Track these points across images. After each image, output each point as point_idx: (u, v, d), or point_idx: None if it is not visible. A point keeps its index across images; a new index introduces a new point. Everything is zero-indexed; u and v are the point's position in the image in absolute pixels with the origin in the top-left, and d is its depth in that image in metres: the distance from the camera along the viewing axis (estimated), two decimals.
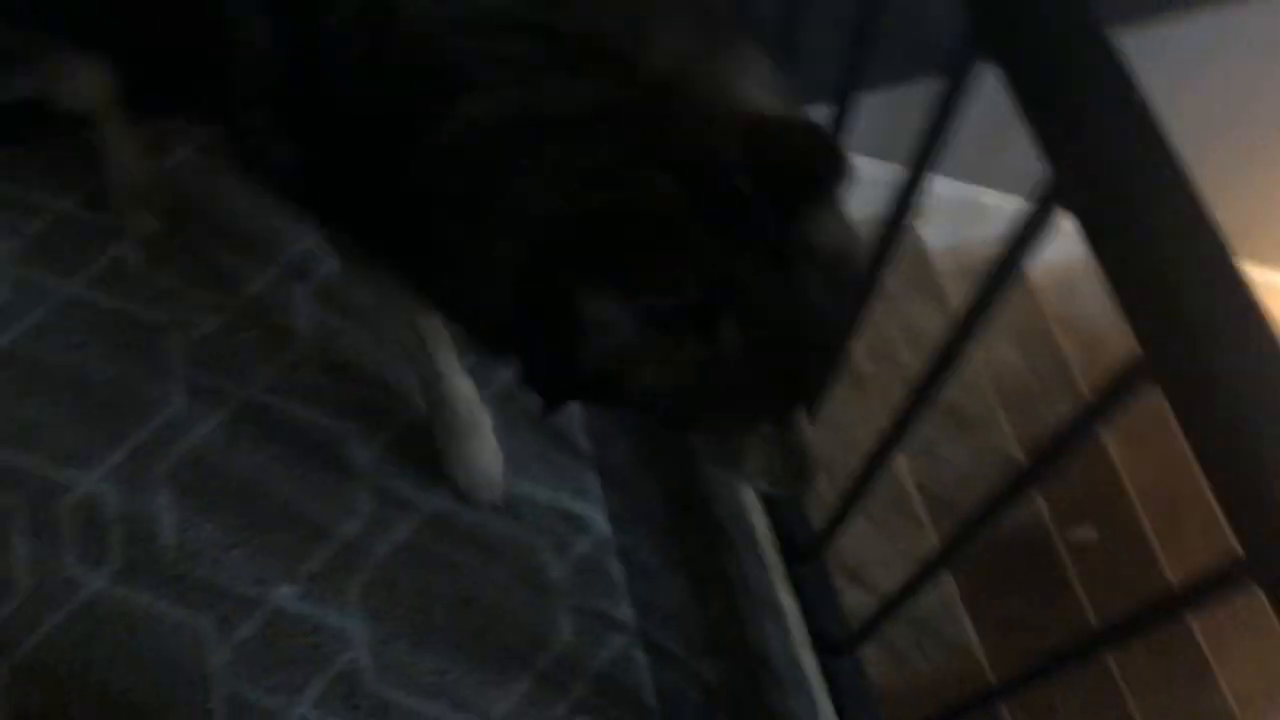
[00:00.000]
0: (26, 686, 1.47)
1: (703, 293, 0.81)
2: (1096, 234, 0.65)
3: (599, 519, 1.65)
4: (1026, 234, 0.76)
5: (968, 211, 2.44)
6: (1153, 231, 0.62)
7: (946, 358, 0.98)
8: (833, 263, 0.86)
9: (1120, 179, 0.65)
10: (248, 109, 1.07)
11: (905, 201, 0.97)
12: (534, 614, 1.57)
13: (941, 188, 2.38)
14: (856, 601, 1.78)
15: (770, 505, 1.65)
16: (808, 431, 1.05)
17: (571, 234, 0.83)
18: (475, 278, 0.96)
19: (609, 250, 0.82)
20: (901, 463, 2.01)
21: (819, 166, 0.83)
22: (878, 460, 1.20)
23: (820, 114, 1.17)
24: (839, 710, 1.45)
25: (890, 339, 2.24)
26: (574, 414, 1.71)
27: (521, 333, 0.93)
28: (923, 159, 0.92)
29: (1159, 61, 2.01)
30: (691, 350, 0.85)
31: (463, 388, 1.56)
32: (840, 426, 1.93)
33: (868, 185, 2.16)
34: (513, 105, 0.86)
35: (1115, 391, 0.73)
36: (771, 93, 0.91)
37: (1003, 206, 2.58)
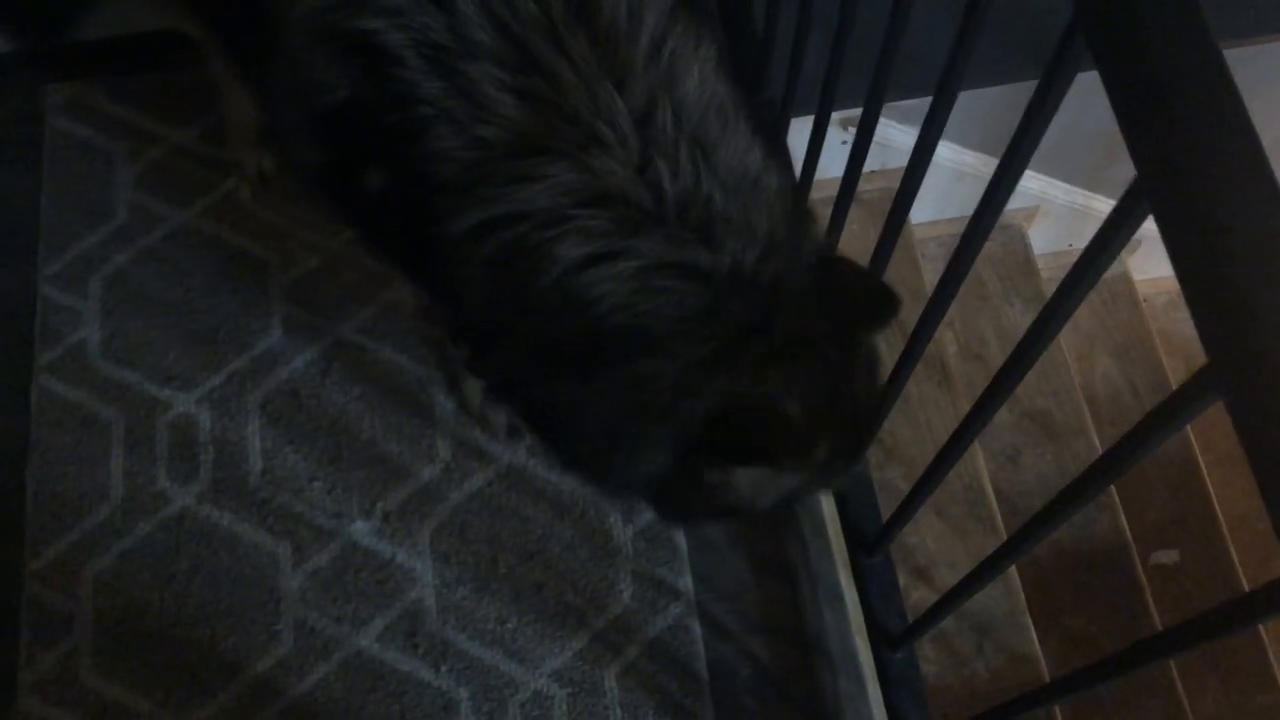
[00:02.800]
0: (109, 592, 1.54)
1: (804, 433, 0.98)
2: (1172, 236, 0.63)
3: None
4: (1109, 230, 0.74)
5: (1078, 217, 2.38)
6: (1228, 239, 0.60)
7: (1024, 354, 0.97)
8: (873, 363, 1.06)
9: (1202, 186, 0.63)
10: (290, 112, 1.11)
11: (993, 198, 0.96)
12: (596, 574, 1.59)
13: (1054, 192, 2.32)
14: (920, 599, 1.77)
15: (840, 495, 1.64)
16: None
17: (702, 429, 0.97)
18: (610, 448, 1.05)
19: (735, 447, 0.97)
20: (982, 465, 1.98)
21: (883, 309, 1.01)
22: (947, 454, 1.19)
23: (920, 108, 1.15)
24: (887, 700, 1.44)
25: (984, 339, 2.20)
26: None
27: (652, 489, 1.09)
28: (1012, 157, 0.90)
29: (1264, 73, 1.93)
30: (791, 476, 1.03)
31: None
32: (924, 423, 1.92)
33: (975, 181, 2.13)
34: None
35: (1179, 400, 0.71)
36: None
37: None
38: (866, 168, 1.34)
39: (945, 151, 2.12)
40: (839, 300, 0.99)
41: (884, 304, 1.01)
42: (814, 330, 0.97)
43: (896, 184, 1.20)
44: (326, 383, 1.68)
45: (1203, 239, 0.64)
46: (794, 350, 0.96)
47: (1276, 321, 0.59)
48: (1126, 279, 2.49)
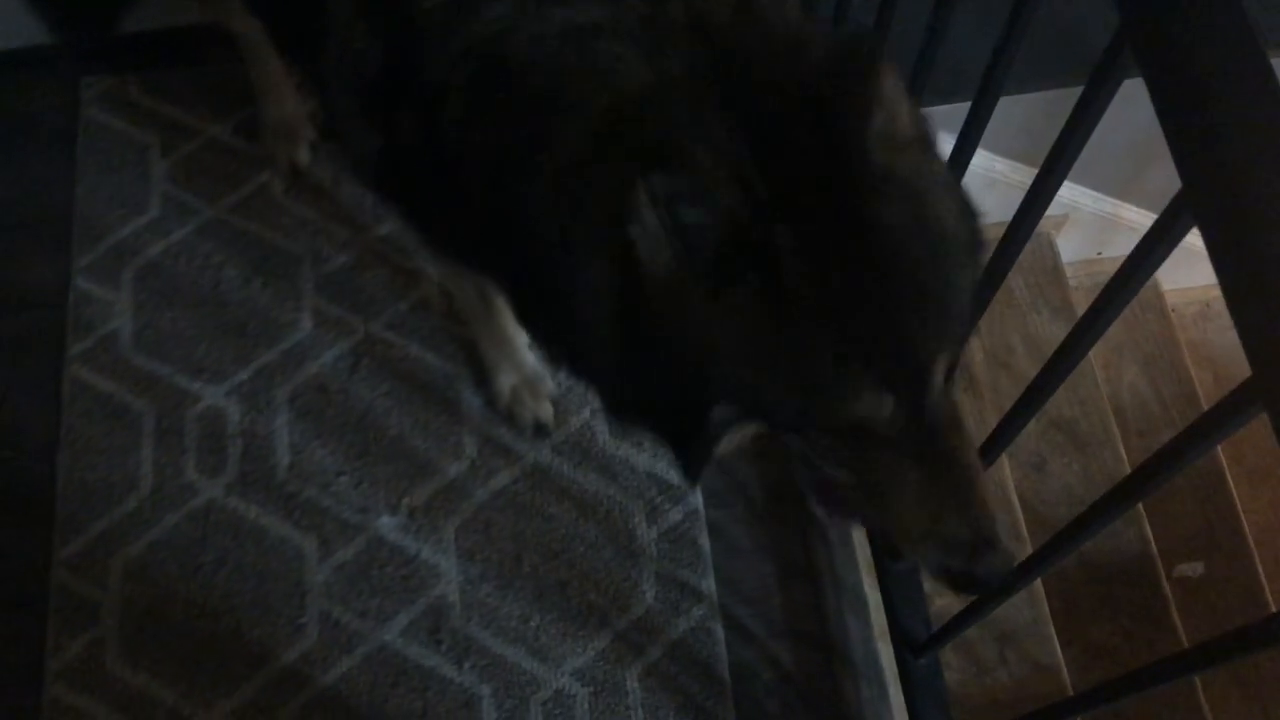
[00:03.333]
0: (137, 582, 1.56)
1: (753, 214, 0.77)
2: (1218, 249, 0.63)
3: (694, 492, 1.66)
4: (1151, 243, 0.74)
5: (1108, 226, 2.36)
6: (1274, 250, 0.60)
7: (1058, 366, 0.96)
8: (916, 200, 0.81)
9: (1249, 197, 0.63)
10: (342, 95, 1.10)
11: (1033, 205, 0.95)
12: (620, 575, 1.59)
13: (1083, 199, 2.31)
14: (944, 606, 1.76)
15: None
16: (971, 455, 0.88)
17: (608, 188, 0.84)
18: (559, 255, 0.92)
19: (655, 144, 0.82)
20: (1008, 474, 1.97)
21: (850, 77, 0.78)
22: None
23: (960, 112, 1.15)
24: (910, 706, 1.43)
25: (1011, 347, 2.19)
26: None
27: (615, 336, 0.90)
28: (1055, 164, 0.90)
29: None
30: (754, 291, 0.78)
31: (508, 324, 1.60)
32: None
33: (1005, 188, 2.12)
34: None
35: (1222, 413, 0.71)
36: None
37: (1144, 223, 2.49)
38: None
39: (976, 159, 2.10)
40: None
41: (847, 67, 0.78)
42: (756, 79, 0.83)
43: None
44: (355, 378, 1.69)
45: (1248, 252, 0.64)
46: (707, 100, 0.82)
47: None
48: (1155, 289, 2.48)
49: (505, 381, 1.65)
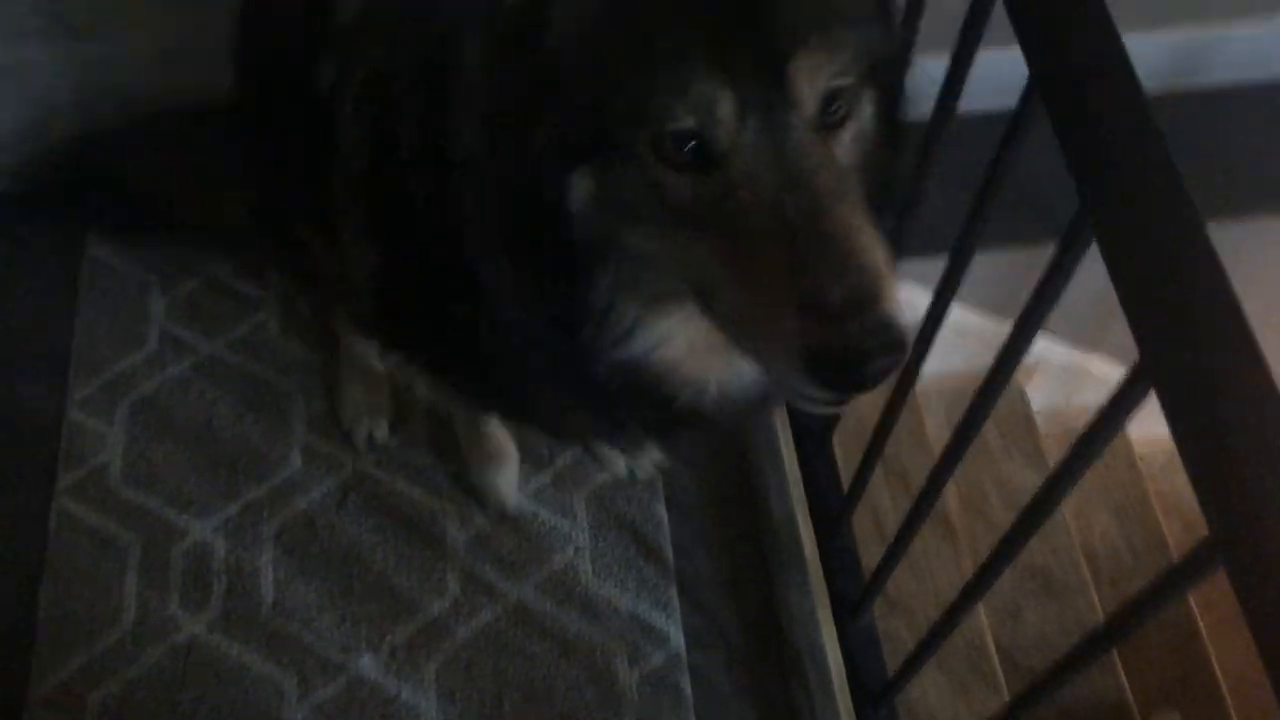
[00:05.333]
0: (115, 718, 1.54)
1: None
2: (1175, 415, 0.69)
3: (676, 634, 1.67)
4: (1114, 407, 0.80)
5: (1075, 376, 2.44)
6: (1228, 419, 0.66)
7: (1030, 519, 1.01)
8: None
9: (1202, 366, 0.68)
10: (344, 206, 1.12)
11: (1008, 359, 1.01)
12: (600, 717, 1.59)
13: (1051, 351, 2.39)
14: None
15: (846, 644, 1.65)
16: (852, 214, 0.69)
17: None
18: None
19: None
20: (984, 621, 1.99)
21: None
22: (955, 612, 1.21)
23: (935, 268, 1.22)
24: None
25: (985, 493, 2.24)
26: (662, 523, 1.75)
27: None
28: (1026, 322, 0.97)
29: (1252, 251, 2.04)
30: None
31: (497, 435, 1.65)
32: (927, 575, 1.93)
33: (976, 339, 2.19)
34: None
35: (1183, 569, 0.75)
36: None
37: (1110, 374, 2.57)
38: None
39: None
40: None
41: None
42: None
43: None
44: (342, 514, 1.71)
45: (1203, 419, 0.69)
46: None
47: (1273, 496, 0.64)
48: (1124, 439, 2.54)
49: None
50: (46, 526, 1.67)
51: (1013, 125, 0.95)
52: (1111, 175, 0.76)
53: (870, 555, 1.59)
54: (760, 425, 1.76)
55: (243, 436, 1.76)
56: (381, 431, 1.77)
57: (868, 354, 0.67)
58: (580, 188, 0.74)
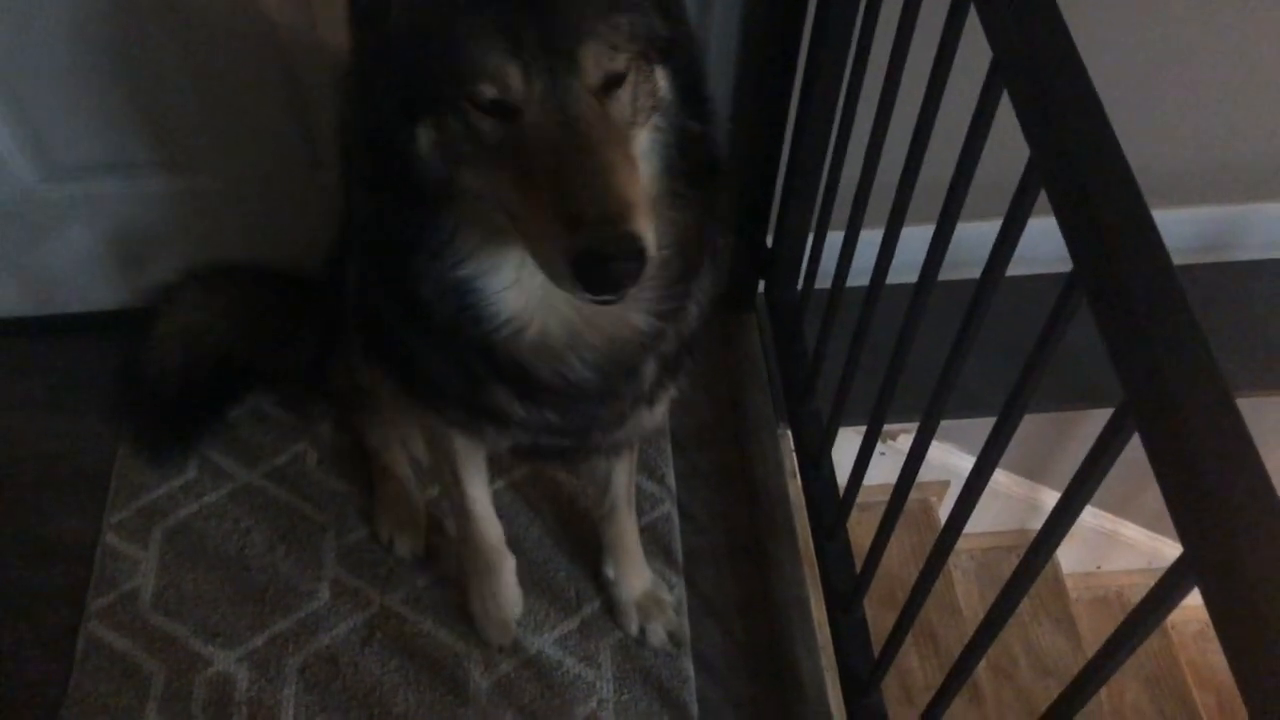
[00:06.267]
0: None
1: None
2: (1218, 609, 0.69)
3: None
4: (1155, 599, 0.80)
5: (1106, 540, 2.43)
6: (1270, 613, 0.66)
7: (1065, 705, 1.00)
8: None
9: (1241, 559, 0.69)
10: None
11: (1047, 537, 1.02)
12: None
13: (1083, 516, 2.38)
14: None
15: None
16: (615, 154, 0.92)
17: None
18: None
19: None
20: None
21: None
22: None
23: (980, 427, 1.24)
24: None
25: (1014, 657, 2.21)
26: (689, 679, 1.73)
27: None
28: (1068, 504, 0.98)
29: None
30: None
31: (490, 533, 1.63)
32: None
33: (1006, 498, 2.19)
34: None
35: None
36: None
37: (1141, 540, 2.56)
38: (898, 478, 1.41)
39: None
40: None
41: None
42: None
43: (927, 494, 1.27)
44: (366, 651, 1.70)
45: (1247, 611, 0.70)
46: None
47: None
48: None
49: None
50: (73, 651, 1.67)
51: (1053, 318, 0.97)
52: (1156, 380, 0.78)
53: (897, 715, 1.57)
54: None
55: (273, 567, 1.77)
56: (419, 546, 1.80)
57: (611, 257, 0.86)
58: (424, 137, 0.96)
